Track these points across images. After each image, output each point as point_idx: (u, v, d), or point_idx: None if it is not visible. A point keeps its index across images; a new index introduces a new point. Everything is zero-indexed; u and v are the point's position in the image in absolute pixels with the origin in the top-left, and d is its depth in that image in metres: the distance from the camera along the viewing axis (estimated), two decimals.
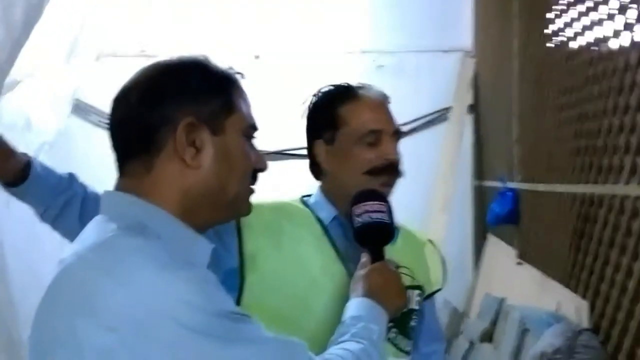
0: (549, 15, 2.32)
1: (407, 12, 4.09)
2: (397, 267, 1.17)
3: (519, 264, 2.64)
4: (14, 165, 1.26)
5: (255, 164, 0.92)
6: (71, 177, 1.33)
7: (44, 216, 1.33)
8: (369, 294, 1.08)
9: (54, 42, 2.47)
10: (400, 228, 1.26)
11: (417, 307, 1.25)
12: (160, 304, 0.73)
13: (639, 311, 1.47)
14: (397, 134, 1.27)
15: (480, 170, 3.79)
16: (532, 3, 2.60)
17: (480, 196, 3.74)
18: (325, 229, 1.26)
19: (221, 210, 0.89)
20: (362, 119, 1.25)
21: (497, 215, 2.72)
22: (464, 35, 4.08)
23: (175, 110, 0.84)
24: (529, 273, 2.46)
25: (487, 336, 2.66)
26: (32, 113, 2.26)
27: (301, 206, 1.31)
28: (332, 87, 1.31)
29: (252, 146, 0.93)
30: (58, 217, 1.31)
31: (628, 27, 1.59)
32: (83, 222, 1.32)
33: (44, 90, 2.37)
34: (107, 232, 0.80)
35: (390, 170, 1.24)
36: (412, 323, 1.23)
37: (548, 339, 1.79)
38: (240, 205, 0.93)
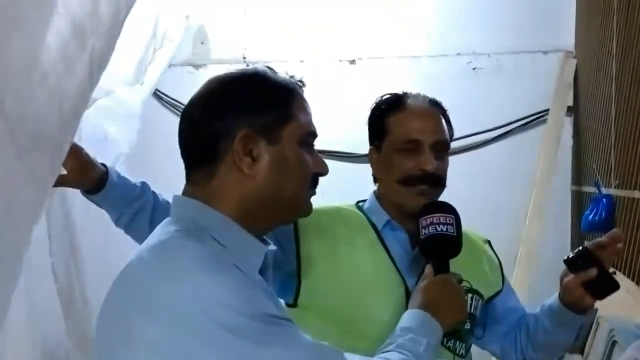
0: None
1: (505, 13, 4.01)
2: (460, 280, 1.18)
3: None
4: (93, 175, 1.38)
5: (315, 168, 0.98)
6: (144, 186, 1.45)
7: (118, 221, 1.46)
8: (425, 306, 1.10)
9: (125, 62, 2.68)
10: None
11: (471, 311, 1.26)
12: (201, 303, 0.79)
13: None
14: (440, 146, 1.27)
15: (579, 175, 3.64)
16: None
17: (579, 202, 3.59)
18: (378, 233, 1.30)
19: (278, 213, 0.96)
20: (403, 128, 1.28)
21: (591, 223, 2.62)
22: (566, 35, 3.93)
23: (233, 122, 0.91)
24: (623, 283, 2.35)
25: (579, 348, 2.57)
26: (108, 126, 2.48)
27: (356, 211, 1.36)
28: (385, 96, 1.35)
29: (311, 152, 0.99)
30: (130, 222, 1.43)
31: None
32: (152, 228, 1.44)
33: (116, 107, 2.60)
34: (166, 234, 0.88)
35: (427, 181, 1.25)
36: (467, 327, 1.24)
37: (631, 352, 1.72)
38: (297, 208, 0.99)
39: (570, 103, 3.76)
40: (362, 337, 1.24)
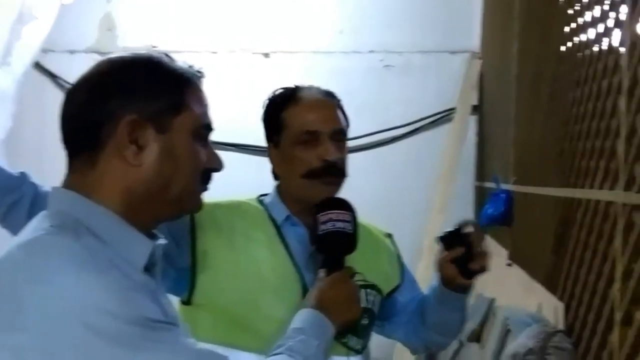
0: (545, 18, 2.33)
1: (416, 13, 4.11)
2: (354, 274, 1.19)
3: (508, 265, 2.66)
4: None
5: (208, 163, 0.92)
6: (22, 176, 1.34)
7: None
8: (319, 306, 1.09)
9: None
10: (359, 224, 1.29)
11: (368, 306, 1.27)
12: (73, 306, 0.74)
13: (607, 313, 1.48)
14: (339, 135, 1.28)
15: (482, 171, 3.80)
16: (530, 4, 2.61)
17: (481, 197, 3.75)
18: (278, 228, 1.29)
19: (164, 208, 0.90)
20: (299, 121, 1.27)
21: (490, 216, 2.74)
22: (472, 36, 4.09)
23: (119, 107, 0.84)
24: (517, 274, 2.47)
25: (476, 336, 2.68)
26: None
27: (257, 205, 1.34)
28: (279, 91, 1.34)
29: (205, 145, 0.93)
30: (6, 215, 1.33)
31: (618, 25, 1.61)
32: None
33: None
34: (39, 230, 0.82)
35: (330, 171, 1.25)
36: (363, 322, 1.25)
37: (523, 340, 1.81)
38: (184, 204, 0.92)
39: (475, 102, 3.92)
40: (256, 335, 1.22)
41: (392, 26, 4.18)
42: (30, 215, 1.34)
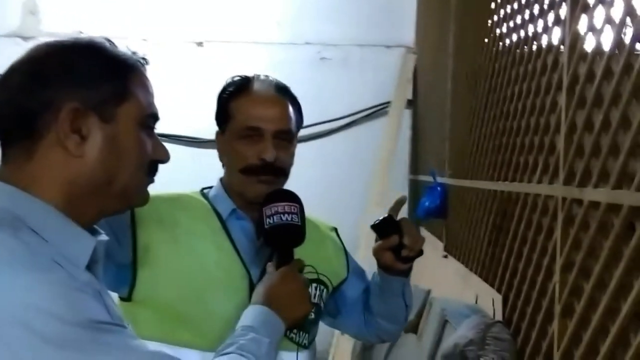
0: (482, 15, 2.37)
1: (353, 6, 4.12)
2: (303, 268, 1.17)
3: (444, 257, 2.70)
4: None
5: (154, 154, 0.88)
6: None
7: None
8: (268, 302, 1.06)
9: None
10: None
11: (315, 301, 1.25)
12: (13, 309, 0.68)
13: (546, 305, 1.52)
14: (283, 135, 1.25)
15: (416, 164, 3.85)
16: (467, 1, 2.65)
17: (415, 190, 3.81)
18: (223, 222, 1.25)
19: (109, 201, 0.85)
20: (245, 115, 1.24)
21: (427, 209, 2.78)
22: (407, 31, 4.14)
23: (59, 94, 0.79)
24: (454, 266, 2.52)
25: (413, 327, 2.71)
26: None
27: (200, 198, 1.29)
28: (233, 78, 1.30)
29: (151, 135, 0.89)
30: None
31: (545, 31, 1.65)
32: None
33: None
34: None
35: (267, 171, 1.23)
36: (310, 317, 1.23)
37: (462, 331, 1.84)
38: (130, 197, 0.88)
39: (410, 96, 3.97)
40: (200, 333, 1.18)
41: (329, 19, 4.18)
42: None
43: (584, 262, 1.32)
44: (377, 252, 1.29)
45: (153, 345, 0.93)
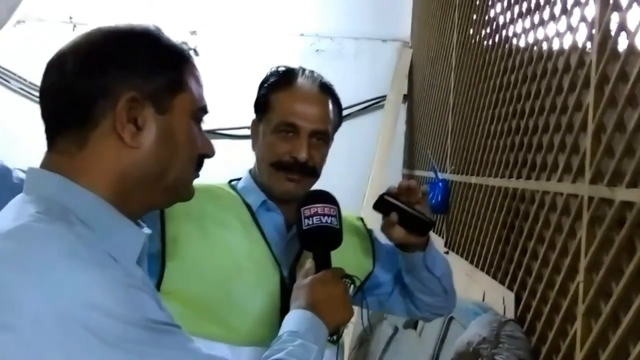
0: (491, 12, 2.36)
1: None
2: (344, 276, 1.14)
3: (445, 253, 2.70)
4: None
5: (202, 148, 0.86)
6: None
7: None
8: (311, 306, 1.02)
9: None
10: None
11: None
12: (69, 306, 0.65)
13: (566, 304, 1.52)
14: (319, 135, 1.22)
15: (411, 160, 3.85)
16: None
17: None
18: (253, 214, 1.23)
19: (157, 195, 0.82)
20: (284, 109, 1.21)
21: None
22: (403, 25, 4.12)
23: (117, 82, 0.76)
24: (456, 262, 2.51)
25: (412, 323, 2.71)
26: None
27: (229, 190, 1.27)
28: (278, 68, 1.27)
29: (200, 130, 0.87)
30: None
31: (569, 29, 1.64)
32: None
33: None
34: (24, 217, 0.72)
35: (297, 169, 1.20)
36: None
37: (475, 329, 1.84)
38: (178, 191, 0.85)
39: (406, 91, 3.96)
40: (228, 326, 1.15)
41: (324, 11, 4.15)
42: None
43: (614, 261, 1.31)
44: (386, 232, 1.26)
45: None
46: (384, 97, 3.94)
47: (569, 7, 1.65)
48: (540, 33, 1.83)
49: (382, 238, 1.39)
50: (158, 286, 1.16)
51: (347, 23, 4.10)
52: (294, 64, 1.30)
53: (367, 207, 3.48)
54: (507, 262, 1.96)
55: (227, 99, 3.24)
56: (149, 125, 0.78)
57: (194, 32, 4.08)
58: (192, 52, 0.88)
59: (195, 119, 0.85)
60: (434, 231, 3.00)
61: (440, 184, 2.79)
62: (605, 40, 1.42)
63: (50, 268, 0.66)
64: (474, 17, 2.59)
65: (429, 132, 3.36)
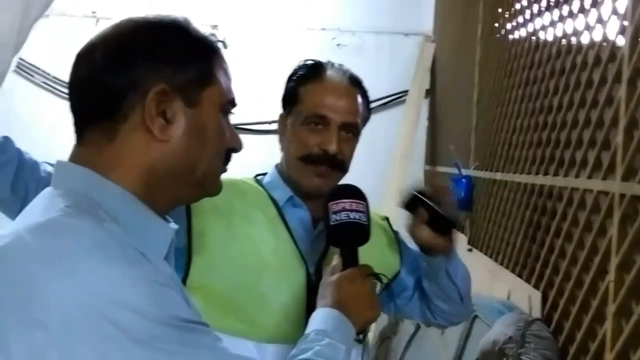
0: (517, 5, 2.31)
1: None
2: (371, 274, 1.12)
3: (469, 250, 2.66)
4: None
5: (230, 142, 0.84)
6: (5, 142, 1.21)
7: None
8: (338, 305, 1.00)
9: None
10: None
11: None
12: (100, 303, 0.64)
13: (596, 304, 1.48)
14: (349, 128, 1.21)
15: (433, 155, 3.81)
16: None
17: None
18: (279, 210, 1.21)
19: (186, 190, 0.81)
20: (314, 101, 1.20)
21: None
22: (425, 19, 4.08)
23: (146, 74, 0.75)
24: (480, 260, 2.48)
25: None
26: None
27: (255, 185, 1.26)
28: (306, 62, 1.26)
29: (228, 123, 0.85)
30: None
31: (600, 22, 1.60)
32: (15, 191, 1.22)
33: None
34: (53, 211, 0.71)
35: (327, 163, 1.18)
36: None
37: (500, 328, 1.80)
38: (207, 186, 0.85)
39: (428, 86, 3.91)
40: (254, 323, 1.14)
41: (345, 5, 4.12)
42: (15, 184, 1.21)
43: None
44: (412, 232, 1.24)
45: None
46: (405, 92, 3.91)
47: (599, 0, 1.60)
48: (569, 26, 1.79)
49: (407, 240, 1.37)
50: (184, 281, 1.15)
51: (369, 17, 4.07)
52: (315, 59, 1.28)
53: (387, 204, 3.45)
54: (533, 260, 1.92)
55: (248, 93, 3.22)
56: (178, 118, 0.77)
57: (215, 26, 4.07)
58: (220, 45, 0.86)
59: (224, 112, 0.84)
60: (456, 228, 2.96)
61: (463, 180, 2.75)
62: (638, 34, 1.38)
63: (79, 264, 0.66)
64: (499, 10, 2.55)
65: (452, 127, 3.32)
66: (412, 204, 1.23)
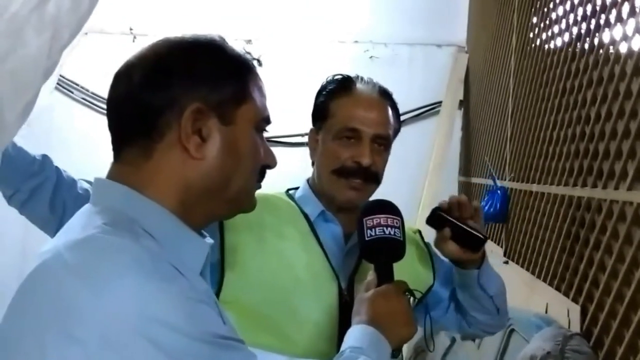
0: (552, 15, 2.29)
1: (403, 4, 4.05)
2: (407, 290, 1.10)
3: (505, 262, 2.63)
4: None
5: (264, 159, 0.86)
6: (44, 160, 1.24)
7: (12, 199, 1.25)
8: (373, 321, 0.99)
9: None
10: None
11: None
12: (136, 320, 0.65)
13: (636, 319, 1.45)
14: (381, 140, 1.21)
15: (467, 167, 3.77)
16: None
17: (466, 193, 3.72)
18: (311, 225, 1.22)
19: (221, 206, 0.82)
20: (345, 115, 1.20)
21: (486, 214, 2.70)
22: (458, 30, 4.05)
23: (182, 93, 0.76)
24: (516, 272, 2.44)
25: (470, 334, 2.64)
26: None
27: (287, 199, 1.26)
28: (335, 77, 1.27)
29: (262, 140, 0.86)
30: (27, 201, 1.23)
31: (638, 32, 1.57)
32: (54, 208, 1.25)
33: None
34: (91, 228, 0.72)
35: (360, 175, 1.18)
36: None
37: (537, 342, 1.77)
38: (241, 202, 0.86)
39: (462, 97, 3.89)
40: (286, 338, 1.14)
41: (378, 17, 4.12)
42: (53, 201, 1.24)
43: None
44: (439, 247, 1.25)
45: None
46: (438, 104, 3.88)
47: (637, 9, 1.58)
48: (607, 35, 1.76)
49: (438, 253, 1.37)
50: (217, 295, 1.16)
51: (401, 29, 4.06)
52: (347, 71, 1.29)
53: (422, 216, 3.43)
54: (571, 274, 1.88)
55: (282, 106, 3.25)
56: (214, 136, 0.78)
57: (249, 41, 4.11)
58: (255, 62, 0.88)
59: (258, 129, 0.85)
60: (493, 240, 2.93)
61: (499, 191, 2.72)
62: None
63: (116, 280, 0.66)
64: (534, 19, 2.52)
65: (486, 138, 3.29)
66: (435, 220, 1.23)
